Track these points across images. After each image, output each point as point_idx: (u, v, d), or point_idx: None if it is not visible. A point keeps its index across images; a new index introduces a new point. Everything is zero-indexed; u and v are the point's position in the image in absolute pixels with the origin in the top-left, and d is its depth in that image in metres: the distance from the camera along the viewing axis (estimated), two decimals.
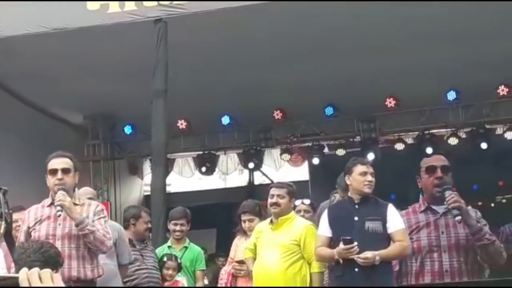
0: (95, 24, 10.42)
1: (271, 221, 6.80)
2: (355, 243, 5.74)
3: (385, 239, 5.77)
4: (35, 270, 1.94)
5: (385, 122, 15.05)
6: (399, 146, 15.40)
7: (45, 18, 10.52)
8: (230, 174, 18.25)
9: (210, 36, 11.15)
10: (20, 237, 5.53)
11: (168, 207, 9.96)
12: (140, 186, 18.06)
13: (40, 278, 1.93)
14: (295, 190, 6.95)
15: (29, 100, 14.00)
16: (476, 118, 14.65)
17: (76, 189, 5.95)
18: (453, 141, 14.87)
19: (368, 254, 5.64)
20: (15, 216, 6.20)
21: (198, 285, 8.05)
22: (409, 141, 15.85)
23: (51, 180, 5.72)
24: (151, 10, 10.09)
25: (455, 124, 14.85)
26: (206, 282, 8.33)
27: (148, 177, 16.50)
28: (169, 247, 8.08)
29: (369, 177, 5.98)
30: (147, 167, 17.29)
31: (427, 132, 15.14)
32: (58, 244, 5.41)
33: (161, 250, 8.05)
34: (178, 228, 8.08)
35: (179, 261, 7.77)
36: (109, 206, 15.43)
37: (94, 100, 14.11)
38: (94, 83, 12.89)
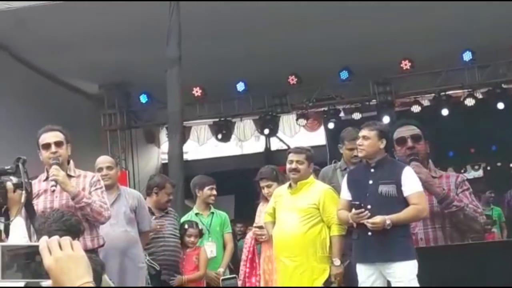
0: None
1: (290, 186, 6.81)
2: (368, 207, 5.74)
3: (401, 202, 5.69)
4: (55, 238, 1.96)
5: (401, 85, 14.97)
6: (416, 109, 15.33)
7: None
8: (247, 140, 18.30)
9: (223, 3, 11.09)
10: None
11: (185, 174, 10.03)
12: (157, 155, 18.15)
13: (60, 245, 1.95)
14: (313, 154, 6.95)
15: (44, 70, 14.03)
16: (492, 78, 14.54)
17: (71, 161, 5.92)
18: (469, 101, 14.80)
19: (377, 218, 5.62)
20: None
21: (228, 247, 8.14)
22: (425, 103, 15.79)
23: (44, 155, 5.70)
24: None
25: (472, 84, 14.75)
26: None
27: (165, 145, 16.58)
28: (196, 214, 8.12)
29: (359, 142, 6.01)
30: (163, 135, 17.38)
31: (443, 93, 15.07)
32: None
33: (188, 217, 8.11)
34: (214, 192, 8.16)
35: (200, 227, 7.82)
36: (127, 175, 15.53)
37: (109, 69, 14.12)
38: (109, 52, 12.89)
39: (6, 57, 12.85)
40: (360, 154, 6.08)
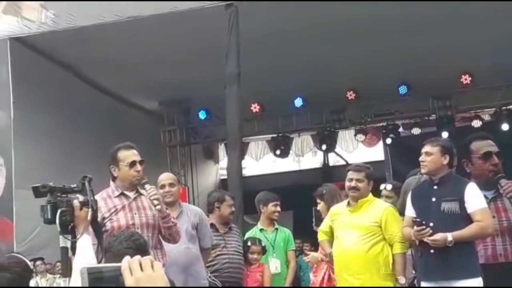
0: (167, 11, 10.56)
1: (349, 203, 6.77)
2: (430, 224, 5.67)
3: (464, 219, 5.59)
4: (137, 258, 2.00)
5: (461, 99, 14.78)
6: (476, 123, 15.12)
7: (118, 7, 10.73)
8: (304, 156, 18.28)
9: (280, 18, 11.16)
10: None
11: (244, 190, 10.07)
12: (216, 170, 18.26)
13: (140, 265, 1.99)
14: (372, 172, 6.91)
15: (106, 88, 14.29)
16: None
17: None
18: None
19: (438, 236, 5.54)
20: None
21: (292, 264, 8.14)
22: (486, 117, 15.56)
23: (129, 172, 5.65)
24: None
25: None
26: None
27: (223, 161, 16.67)
28: (261, 230, 8.14)
29: (422, 158, 5.95)
30: (222, 151, 17.48)
31: (504, 108, 14.83)
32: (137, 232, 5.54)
33: (253, 233, 8.13)
34: (278, 208, 8.19)
35: (263, 244, 7.83)
36: (187, 191, 15.65)
37: (168, 86, 14.30)
38: (168, 69, 13.07)
39: (70, 75, 13.13)
40: (423, 171, 6.03)
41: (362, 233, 6.58)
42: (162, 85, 14.19)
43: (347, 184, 6.72)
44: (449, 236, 5.51)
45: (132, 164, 5.65)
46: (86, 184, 3.80)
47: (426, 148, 5.91)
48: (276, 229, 8.17)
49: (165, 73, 13.23)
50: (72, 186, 3.85)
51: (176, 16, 10.72)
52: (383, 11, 11.13)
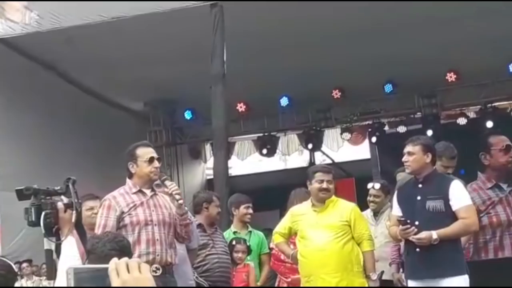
0: (151, 12, 10.53)
1: (313, 204, 6.75)
2: (416, 223, 5.68)
3: (449, 217, 5.59)
4: (124, 259, 2.00)
5: (446, 97, 14.85)
6: (462, 121, 15.18)
7: (103, 7, 10.68)
8: (290, 155, 18.28)
9: (266, 18, 11.15)
10: (108, 222, 5.51)
11: (230, 190, 10.05)
12: (202, 170, 18.23)
13: (127, 267, 1.98)
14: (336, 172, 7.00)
15: (90, 89, 14.23)
16: None
17: None
18: None
19: (423, 234, 5.54)
20: (91, 203, 6.26)
21: (265, 267, 8.11)
22: (471, 115, 15.61)
23: (147, 168, 5.70)
24: None
25: None
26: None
27: (210, 161, 16.65)
28: (234, 232, 8.09)
29: (405, 158, 5.97)
30: (208, 151, 17.45)
31: (489, 105, 14.89)
32: (155, 230, 5.59)
33: (227, 235, 8.07)
34: (250, 211, 8.12)
35: (248, 244, 7.80)
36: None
37: (153, 87, 14.27)
38: (153, 69, 13.04)
39: (53, 76, 13.08)
40: (407, 171, 6.03)
41: (334, 232, 6.60)
42: (147, 86, 14.16)
43: (317, 185, 6.66)
44: (434, 234, 5.51)
45: (151, 160, 5.71)
46: (70, 186, 3.79)
47: (408, 148, 5.91)
48: (250, 231, 8.12)
49: (150, 73, 13.20)
50: (56, 188, 3.84)
51: (160, 16, 10.68)
52: (369, 11, 11.15)
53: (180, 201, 5.73)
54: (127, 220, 5.57)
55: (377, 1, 10.80)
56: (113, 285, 1.95)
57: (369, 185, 8.17)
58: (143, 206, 5.65)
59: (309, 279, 6.60)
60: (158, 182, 6.09)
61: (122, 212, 5.57)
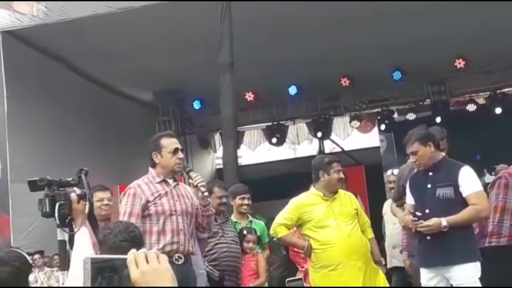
0: (159, 1, 10.53)
1: (324, 194, 6.77)
2: (426, 211, 5.68)
3: (459, 204, 5.60)
4: (142, 250, 2.00)
5: (455, 84, 14.80)
6: (471, 107, 15.15)
7: None
8: (300, 144, 18.29)
9: (273, 7, 11.12)
10: (134, 210, 5.54)
11: (240, 179, 10.07)
12: (212, 160, 18.27)
13: (146, 258, 1.98)
14: None
15: (99, 80, 14.25)
16: None
17: None
18: None
19: (432, 221, 5.55)
20: (100, 195, 6.28)
21: (265, 253, 8.16)
22: (481, 101, 15.58)
23: (172, 158, 5.72)
24: None
25: None
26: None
27: (219, 151, 16.67)
28: (234, 222, 8.07)
29: (412, 160, 6.01)
30: (217, 141, 17.48)
31: (499, 91, 14.84)
32: (179, 220, 5.63)
33: None
34: (246, 202, 8.08)
35: (258, 234, 7.82)
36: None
37: (162, 77, 14.27)
38: (162, 60, 13.04)
39: (62, 68, 13.10)
40: (420, 169, 6.05)
41: (352, 220, 6.71)
42: (156, 76, 14.16)
43: (336, 176, 6.75)
44: (443, 221, 5.52)
45: (175, 151, 5.74)
46: (83, 177, 3.81)
47: (410, 149, 5.96)
48: (250, 221, 8.12)
49: (158, 63, 13.20)
50: (68, 179, 3.86)
51: (168, 6, 10.69)
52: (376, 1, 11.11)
53: (206, 193, 5.78)
54: (152, 209, 5.60)
55: None
56: (132, 275, 1.95)
57: (389, 172, 8.20)
58: (167, 196, 5.69)
59: (336, 267, 6.58)
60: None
61: (148, 201, 5.60)
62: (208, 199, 5.92)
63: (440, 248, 5.64)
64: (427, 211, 5.73)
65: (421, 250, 5.90)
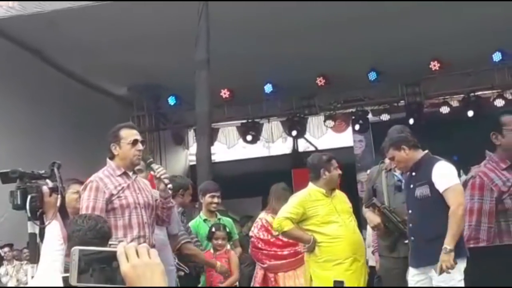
0: None
1: (326, 191, 6.86)
2: (409, 211, 5.81)
3: (435, 202, 5.56)
4: (132, 244, 1.99)
5: (430, 86, 14.90)
6: (445, 110, 15.26)
7: None
8: (274, 142, 18.30)
9: (250, 5, 11.11)
10: (97, 204, 5.35)
11: (213, 176, 10.06)
12: (186, 156, 18.23)
13: (137, 252, 1.98)
14: None
15: (74, 73, 14.16)
16: None
17: None
18: (499, 102, 14.68)
19: (444, 257, 5.41)
20: (77, 187, 6.20)
21: (237, 251, 8.15)
22: (454, 104, 15.69)
23: (131, 150, 5.58)
24: None
25: (501, 85, 14.63)
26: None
27: (193, 147, 16.64)
28: (204, 220, 8.06)
29: (394, 165, 6.17)
30: (191, 137, 17.45)
31: (472, 94, 14.97)
32: (143, 213, 5.51)
33: (196, 223, 8.04)
34: (215, 200, 8.04)
35: (227, 230, 7.81)
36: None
37: (137, 72, 14.21)
38: (138, 55, 12.98)
39: (37, 61, 13.00)
40: (404, 172, 6.15)
41: (351, 217, 6.92)
42: (131, 71, 14.10)
43: (336, 172, 6.91)
44: (447, 247, 5.44)
45: (134, 142, 5.59)
46: (55, 170, 3.78)
47: (387, 155, 6.07)
48: (219, 219, 8.11)
49: (134, 58, 13.14)
50: (40, 172, 3.83)
51: (146, 0, 10.63)
52: (352, 2, 11.14)
53: (169, 185, 5.66)
54: (116, 203, 5.45)
55: None
56: (122, 269, 1.94)
57: (368, 171, 8.30)
58: (129, 189, 5.56)
59: (343, 261, 6.67)
60: (140, 166, 6.06)
61: (112, 195, 5.44)
62: (169, 191, 5.81)
63: (422, 248, 5.68)
64: (410, 211, 5.81)
65: (409, 251, 5.94)
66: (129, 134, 5.62)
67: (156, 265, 1.99)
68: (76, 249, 1.98)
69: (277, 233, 7.24)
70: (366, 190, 7.22)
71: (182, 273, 7.04)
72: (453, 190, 5.54)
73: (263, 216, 8.14)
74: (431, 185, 5.61)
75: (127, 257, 1.96)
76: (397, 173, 6.82)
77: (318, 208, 6.79)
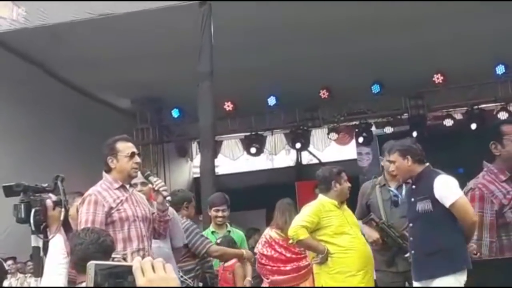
0: (140, 9, 10.50)
1: (337, 203, 6.88)
2: (410, 225, 5.76)
3: (438, 216, 5.52)
4: (148, 259, 2.00)
5: (433, 98, 14.89)
6: (448, 122, 15.25)
7: (90, 4, 10.64)
8: (277, 154, 18.31)
9: (254, 17, 11.15)
10: (97, 218, 5.30)
11: (217, 189, 10.04)
12: (189, 169, 18.22)
13: (153, 267, 1.98)
14: None
15: (77, 86, 14.19)
16: None
17: None
18: (503, 115, 14.65)
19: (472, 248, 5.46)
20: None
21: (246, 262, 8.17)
22: (458, 116, 15.68)
23: (129, 163, 5.52)
24: None
25: (505, 98, 14.63)
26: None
27: (196, 160, 16.64)
28: (212, 232, 8.07)
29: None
30: (195, 150, 17.45)
31: (476, 107, 14.95)
32: (141, 226, 5.48)
33: (205, 234, 8.04)
34: (220, 214, 8.04)
35: (234, 242, 7.81)
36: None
37: (141, 85, 14.23)
38: (141, 67, 13.00)
39: (41, 73, 13.02)
40: (400, 180, 6.13)
41: (359, 230, 6.92)
42: (135, 83, 14.12)
43: (347, 185, 6.96)
44: (472, 246, 5.43)
45: (132, 155, 5.55)
46: (59, 183, 3.78)
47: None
48: (229, 231, 8.11)
49: (138, 71, 13.16)
50: (44, 185, 3.82)
51: (149, 14, 10.65)
52: (357, 12, 11.17)
53: (168, 197, 5.62)
54: (116, 216, 5.40)
55: (365, 1, 10.83)
56: (138, 283, 1.95)
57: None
58: (128, 202, 5.51)
59: (356, 273, 6.68)
60: (136, 180, 6.04)
61: (111, 208, 5.39)
62: (167, 204, 5.76)
63: (423, 261, 5.65)
64: (410, 225, 5.77)
65: (412, 264, 5.91)
66: (126, 147, 5.58)
67: (172, 280, 1.99)
68: (92, 263, 1.98)
69: (291, 241, 7.10)
70: (359, 205, 7.19)
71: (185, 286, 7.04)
72: (458, 204, 5.46)
73: (267, 232, 8.15)
74: (433, 200, 5.55)
75: (143, 272, 1.96)
76: (392, 187, 6.85)
77: (332, 218, 6.79)
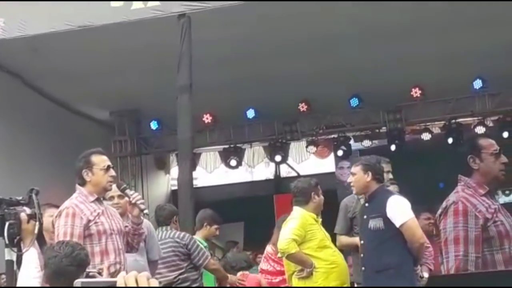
0: (119, 21, 10.48)
1: (316, 216, 6.91)
2: (361, 242, 5.86)
3: (389, 235, 5.70)
4: (133, 273, 2.00)
5: (411, 112, 14.96)
6: (426, 136, 15.33)
7: (69, 15, 10.61)
8: (256, 167, 18.29)
9: (233, 30, 11.17)
10: (75, 231, 5.25)
11: (196, 201, 10.03)
12: (167, 181, 18.15)
13: (136, 281, 1.98)
14: None
15: (55, 97, 14.11)
16: (503, 106, 14.51)
17: None
18: (480, 129, 14.73)
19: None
20: (52, 211, 6.11)
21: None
22: (435, 130, 15.76)
23: (104, 176, 5.54)
24: (175, 5, 10.12)
25: (482, 112, 14.72)
26: None
27: (175, 172, 16.58)
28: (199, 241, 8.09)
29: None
30: (173, 162, 17.39)
31: (453, 121, 15.05)
32: (117, 239, 5.47)
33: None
34: (217, 232, 8.27)
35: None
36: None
37: (119, 96, 14.19)
38: (120, 79, 12.97)
39: (19, 84, 12.94)
40: (353, 191, 6.21)
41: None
42: (113, 95, 14.08)
43: (322, 197, 7.02)
44: (425, 276, 5.56)
45: (108, 168, 5.56)
46: (33, 196, 3.75)
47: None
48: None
49: (116, 83, 13.13)
50: (18, 198, 3.79)
51: (128, 26, 10.62)
52: (336, 26, 11.24)
53: (146, 211, 5.64)
54: (93, 228, 5.39)
55: (343, 13, 10.90)
56: None
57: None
58: (104, 215, 5.51)
59: (342, 286, 6.76)
60: (112, 193, 6.02)
61: (89, 220, 5.37)
62: (142, 217, 5.76)
63: (372, 278, 5.88)
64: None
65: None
66: (101, 160, 5.58)
67: None
68: (78, 281, 1.98)
69: (280, 255, 7.02)
70: (342, 219, 7.16)
71: None
72: (408, 225, 5.68)
73: (266, 248, 8.27)
74: (385, 218, 5.72)
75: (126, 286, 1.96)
76: None
77: (315, 232, 6.80)
